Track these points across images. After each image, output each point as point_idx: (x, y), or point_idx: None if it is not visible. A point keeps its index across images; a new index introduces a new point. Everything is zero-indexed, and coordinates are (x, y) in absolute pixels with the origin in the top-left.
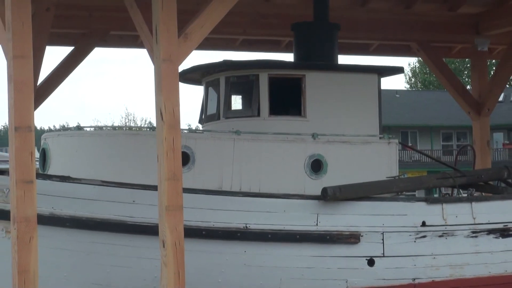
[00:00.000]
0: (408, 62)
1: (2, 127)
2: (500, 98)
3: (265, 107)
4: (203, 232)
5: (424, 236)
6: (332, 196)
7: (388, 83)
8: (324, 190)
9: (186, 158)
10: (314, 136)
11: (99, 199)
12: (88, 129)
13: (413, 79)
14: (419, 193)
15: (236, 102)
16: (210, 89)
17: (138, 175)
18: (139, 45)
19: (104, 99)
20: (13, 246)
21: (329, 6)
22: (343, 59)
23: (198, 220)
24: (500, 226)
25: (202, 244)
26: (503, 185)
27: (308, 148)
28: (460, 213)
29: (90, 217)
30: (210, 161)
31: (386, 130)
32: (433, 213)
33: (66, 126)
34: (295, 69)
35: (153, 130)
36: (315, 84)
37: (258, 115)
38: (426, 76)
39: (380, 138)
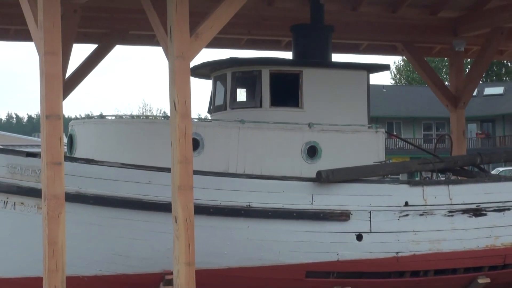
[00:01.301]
0: (393, 61)
1: (35, 115)
2: (474, 93)
3: (267, 99)
4: (211, 210)
5: (407, 215)
6: (325, 178)
7: (376, 79)
8: (319, 173)
9: (196, 144)
10: (310, 125)
11: (119, 180)
12: (109, 117)
13: (398, 76)
14: (403, 177)
15: (241, 95)
16: (218, 83)
17: (153, 158)
18: (155, 43)
19: (123, 91)
20: (44, 221)
21: (324, 10)
22: (336, 57)
23: (207, 198)
24: (473, 206)
25: (210, 220)
26: (476, 170)
27: (304, 136)
28: (438, 194)
29: (111, 196)
30: (218, 146)
31: (374, 120)
32: (415, 194)
33: (90, 115)
34: (294, 65)
35: (167, 119)
36: (311, 79)
37: (261, 106)
38: (409, 73)
39: (369, 127)
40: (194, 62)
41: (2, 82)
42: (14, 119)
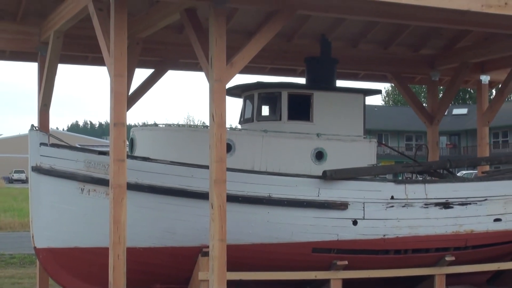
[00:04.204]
0: (384, 86)
1: (104, 122)
2: (445, 113)
3: (285, 114)
4: (239, 198)
5: (392, 206)
6: (329, 176)
7: (370, 100)
8: (324, 172)
9: (229, 147)
10: (318, 135)
11: (168, 174)
12: (161, 125)
13: (387, 98)
14: (389, 176)
15: (265, 110)
16: (247, 101)
17: (195, 158)
18: (199, 69)
19: (172, 105)
20: (110, 204)
21: (331, 46)
22: (340, 83)
23: (236, 190)
24: (443, 200)
25: (239, 207)
26: (446, 172)
27: (313, 143)
28: (417, 191)
29: (161, 186)
30: (246, 150)
31: (367, 132)
32: (399, 190)
33: (146, 123)
34: (306, 89)
35: (206, 128)
36: (320, 100)
37: (280, 119)
38: (396, 96)
39: (364, 138)
40: (229, 85)
41: (81, 96)
42: (89, 125)
